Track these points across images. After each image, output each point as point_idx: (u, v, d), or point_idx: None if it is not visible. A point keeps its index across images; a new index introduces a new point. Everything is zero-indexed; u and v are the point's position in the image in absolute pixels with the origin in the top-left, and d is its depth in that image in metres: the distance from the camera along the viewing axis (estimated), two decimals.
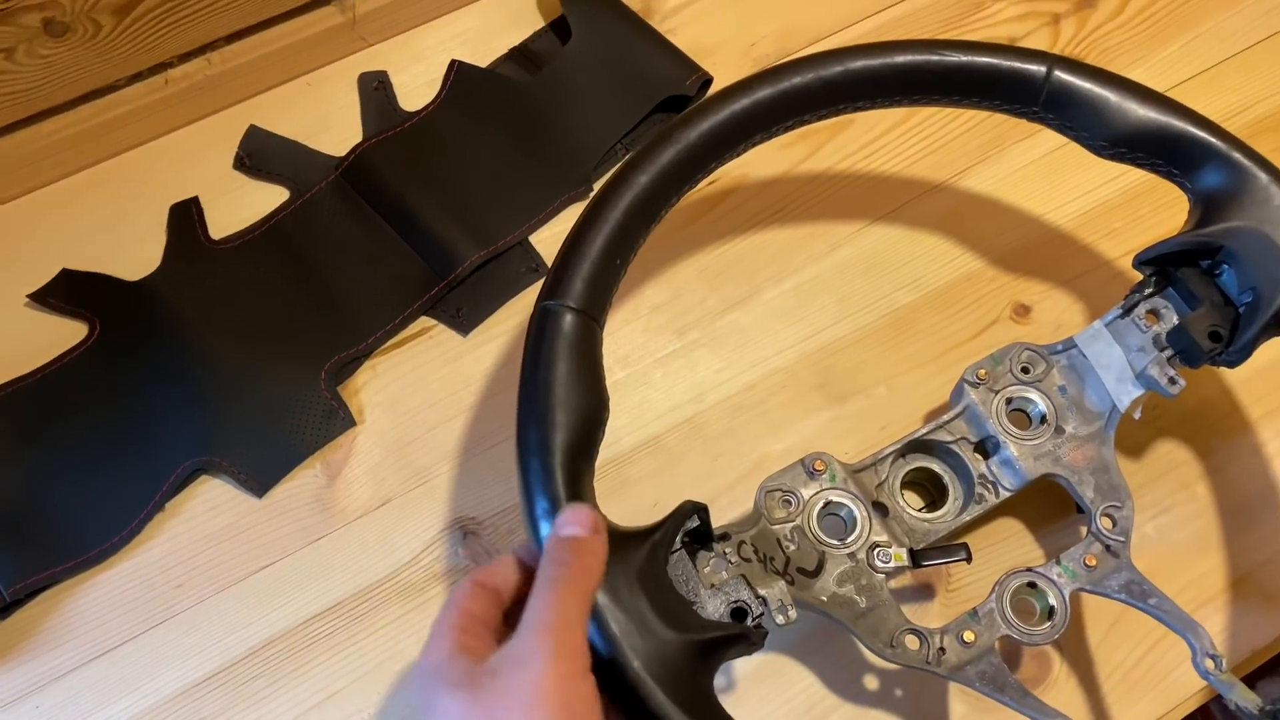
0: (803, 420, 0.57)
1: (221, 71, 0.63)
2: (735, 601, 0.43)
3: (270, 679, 0.51)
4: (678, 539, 0.43)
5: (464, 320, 0.59)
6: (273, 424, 0.55)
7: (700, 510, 0.43)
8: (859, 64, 0.48)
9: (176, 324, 0.57)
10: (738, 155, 0.49)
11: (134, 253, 0.60)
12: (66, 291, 0.59)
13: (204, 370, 0.56)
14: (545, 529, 0.40)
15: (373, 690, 0.50)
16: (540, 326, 0.43)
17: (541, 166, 0.62)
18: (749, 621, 0.42)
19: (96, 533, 0.53)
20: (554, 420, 0.41)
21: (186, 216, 0.61)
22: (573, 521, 0.39)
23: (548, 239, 0.61)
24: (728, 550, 0.45)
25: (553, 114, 0.64)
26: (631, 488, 0.55)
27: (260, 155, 0.63)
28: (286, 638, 0.52)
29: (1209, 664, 0.43)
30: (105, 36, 0.57)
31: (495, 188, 0.62)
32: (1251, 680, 0.48)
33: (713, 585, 0.43)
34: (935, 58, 0.49)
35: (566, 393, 0.42)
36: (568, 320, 0.43)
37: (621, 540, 0.40)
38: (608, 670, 0.38)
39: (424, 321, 0.59)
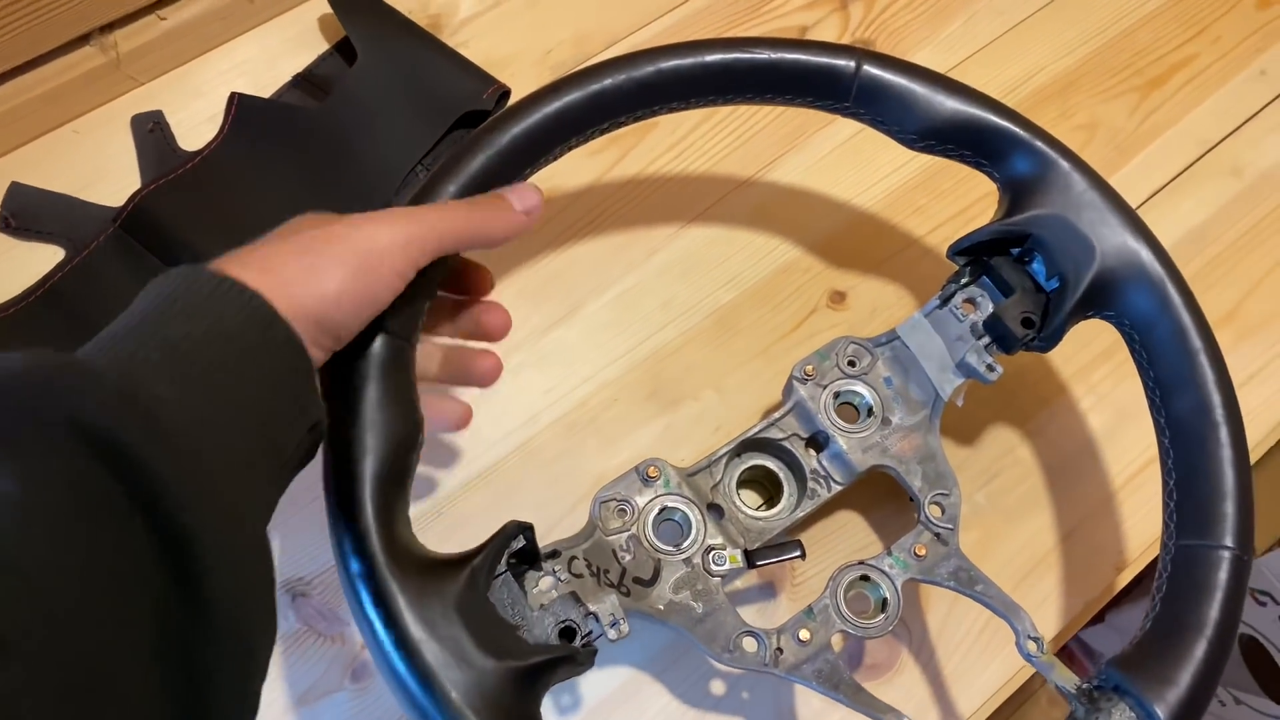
0: (638, 431, 0.56)
1: None
2: (563, 621, 0.41)
3: None
4: (502, 561, 0.41)
5: None
6: None
7: (525, 529, 0.41)
8: (670, 64, 0.47)
9: None
10: (551, 161, 0.47)
11: None
12: None
13: None
14: (354, 566, 0.38)
15: None
16: (355, 349, 0.41)
17: (339, 196, 0.59)
18: (577, 641, 0.41)
19: None
20: (358, 448, 0.39)
21: None
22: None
23: None
24: (557, 568, 0.43)
25: (346, 140, 0.61)
26: (468, 525, 0.53)
27: (26, 214, 0.58)
28: None
29: (1031, 646, 0.44)
30: None
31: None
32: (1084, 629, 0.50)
33: (541, 606, 0.41)
34: (745, 55, 0.48)
35: (372, 416, 0.40)
36: (379, 344, 0.41)
37: (438, 569, 0.39)
38: (425, 708, 0.36)
39: None
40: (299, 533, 0.52)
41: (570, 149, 0.48)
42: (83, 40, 0.59)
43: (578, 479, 0.54)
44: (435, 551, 0.39)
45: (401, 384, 0.41)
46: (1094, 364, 0.59)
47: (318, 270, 0.36)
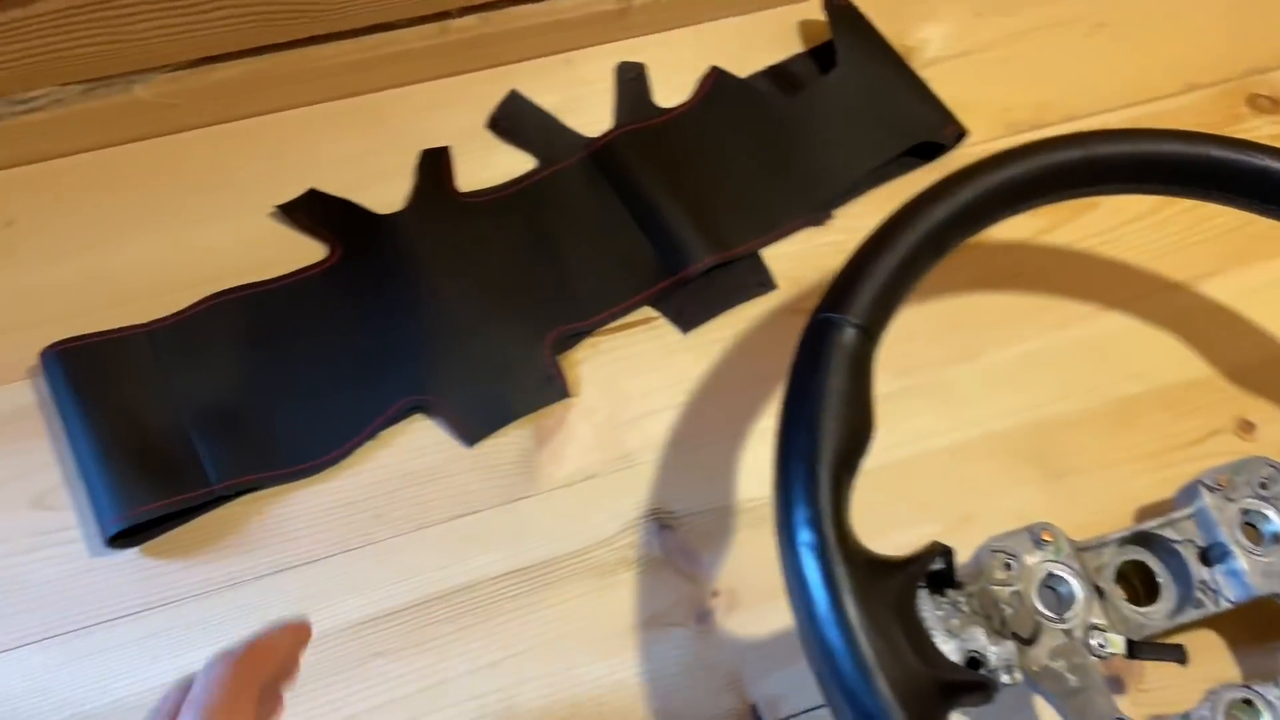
0: (1013, 488, 0.56)
1: (495, 32, 0.64)
2: (971, 651, 0.42)
3: (453, 627, 0.51)
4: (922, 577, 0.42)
5: (686, 318, 0.59)
6: (492, 379, 0.56)
7: (946, 554, 0.42)
8: (1173, 147, 0.48)
9: (415, 263, 0.58)
10: (1028, 210, 0.49)
11: (377, 188, 0.61)
12: (313, 211, 0.60)
13: (435, 313, 0.57)
14: (803, 536, 0.39)
15: (551, 659, 0.50)
16: (820, 335, 0.43)
17: (783, 185, 0.63)
18: (983, 673, 0.42)
19: (310, 446, 0.53)
20: (825, 428, 0.41)
21: (436, 163, 0.62)
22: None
23: (777, 256, 0.61)
24: (960, 599, 0.44)
25: (802, 137, 0.64)
26: None
27: (515, 121, 0.64)
28: (474, 589, 0.51)
29: None
30: None
31: (735, 196, 0.62)
32: None
33: (948, 630, 0.42)
34: (1246, 156, 0.48)
35: (840, 405, 0.41)
36: (849, 334, 0.43)
37: (879, 567, 0.40)
38: (853, 690, 0.37)
39: (646, 311, 0.59)
40: (680, 470, 0.55)
41: (1046, 204, 0.49)
42: None
43: (944, 512, 0.55)
44: (874, 551, 0.41)
45: (865, 380, 0.43)
46: None
47: None
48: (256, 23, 0.58)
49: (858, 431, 0.42)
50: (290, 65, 0.61)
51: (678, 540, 0.53)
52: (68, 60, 0.56)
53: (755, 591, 0.52)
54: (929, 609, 0.42)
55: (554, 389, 0.56)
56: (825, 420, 0.41)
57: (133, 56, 0.57)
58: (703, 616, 0.52)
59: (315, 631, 0.45)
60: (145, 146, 0.62)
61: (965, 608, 0.44)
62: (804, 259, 0.61)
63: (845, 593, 0.38)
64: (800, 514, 0.40)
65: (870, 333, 0.44)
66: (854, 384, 0.42)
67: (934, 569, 0.42)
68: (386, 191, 0.61)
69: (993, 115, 0.67)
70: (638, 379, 0.57)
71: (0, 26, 0.52)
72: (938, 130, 0.64)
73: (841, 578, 0.39)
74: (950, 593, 0.44)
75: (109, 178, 0.61)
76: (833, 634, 0.38)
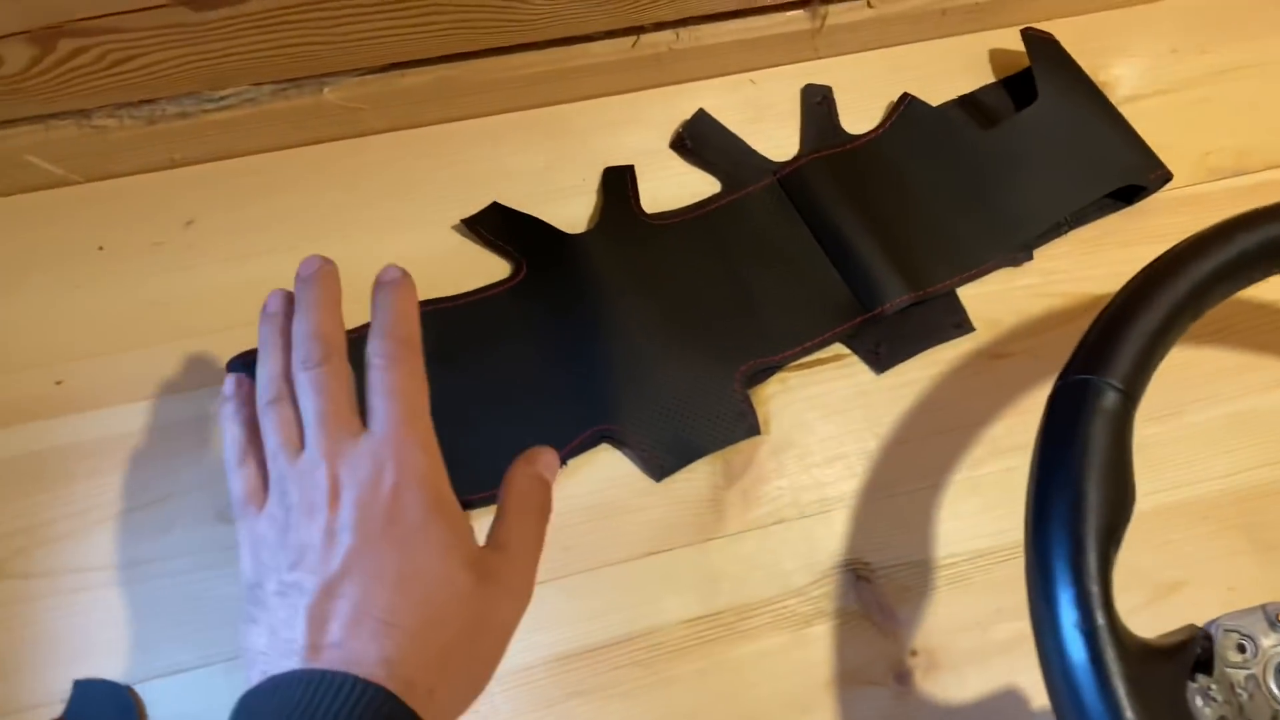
0: (1223, 558, 0.53)
1: (684, 48, 0.62)
2: None
3: (645, 671, 0.49)
4: None
5: (881, 358, 0.57)
6: (682, 411, 0.54)
7: (1208, 640, 0.40)
8: None
9: (603, 286, 0.56)
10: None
11: (557, 203, 0.60)
12: (497, 226, 0.58)
13: (624, 340, 0.55)
14: (1070, 616, 0.37)
15: (747, 712, 0.48)
16: (1080, 397, 0.41)
17: (979, 221, 0.60)
18: None
19: (496, 472, 0.52)
20: (1090, 499, 0.39)
21: (621, 182, 0.60)
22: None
23: (972, 296, 0.59)
24: (1211, 687, 0.42)
25: (999, 171, 0.61)
26: None
27: (701, 140, 0.62)
28: (667, 632, 0.50)
29: None
30: None
31: (929, 232, 0.60)
32: None
33: None
34: None
35: (1105, 474, 0.39)
36: (1110, 398, 0.41)
37: (1149, 655, 0.38)
38: None
39: (838, 348, 0.57)
40: (876, 518, 0.53)
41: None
42: (802, 4, 0.63)
43: (1148, 576, 0.52)
44: (1144, 637, 0.38)
45: (1128, 448, 0.40)
46: None
47: (465, 689, 0.39)
48: (456, 30, 0.56)
49: (1123, 503, 0.39)
50: (477, 74, 0.60)
51: (874, 594, 0.51)
52: (267, 60, 0.55)
53: (955, 654, 0.50)
54: (1197, 703, 0.40)
55: (745, 425, 0.54)
56: (1090, 489, 0.39)
57: (329, 59, 0.56)
58: (902, 676, 0.50)
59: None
60: (327, 149, 0.61)
61: (1217, 696, 0.41)
62: (1001, 301, 0.59)
63: (1119, 682, 0.36)
64: (1066, 592, 0.38)
65: (1131, 397, 0.41)
66: (1117, 452, 0.40)
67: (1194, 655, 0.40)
68: (567, 206, 0.60)
69: (1193, 159, 0.64)
70: (830, 419, 0.55)
71: (209, 25, 0.51)
72: (1144, 173, 0.61)
73: (1115, 667, 0.37)
74: (1201, 678, 0.41)
75: (289, 180, 0.60)
76: None
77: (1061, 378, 0.42)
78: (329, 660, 0.36)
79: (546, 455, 0.45)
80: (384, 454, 0.39)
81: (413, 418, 0.40)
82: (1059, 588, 0.38)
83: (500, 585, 0.40)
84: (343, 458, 0.39)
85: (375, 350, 0.41)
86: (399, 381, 0.41)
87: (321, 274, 0.44)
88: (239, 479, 0.41)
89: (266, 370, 0.42)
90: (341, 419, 0.40)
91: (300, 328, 0.42)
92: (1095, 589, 0.37)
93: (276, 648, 0.37)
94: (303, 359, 0.41)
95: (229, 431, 0.42)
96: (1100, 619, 0.37)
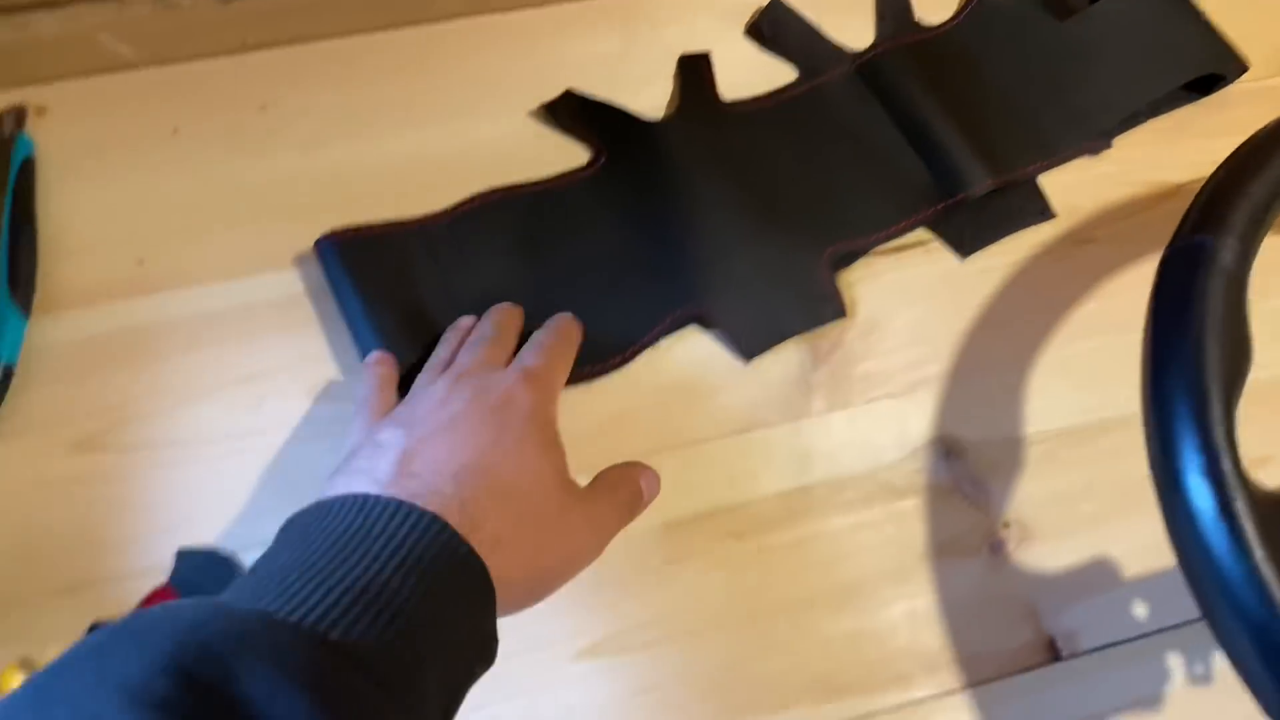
0: None
1: None
2: None
3: (745, 542, 0.49)
4: None
5: (965, 243, 0.57)
6: (768, 294, 0.54)
7: None
8: None
9: (685, 172, 0.56)
10: None
11: (631, 91, 0.59)
12: (576, 113, 0.58)
13: (709, 223, 0.55)
14: (1194, 462, 0.37)
15: (844, 581, 0.49)
16: (1196, 256, 0.41)
17: (1057, 110, 0.60)
18: None
19: (591, 350, 0.52)
20: (1210, 351, 0.39)
21: (697, 70, 0.60)
22: None
23: (1052, 183, 0.59)
24: None
25: (1076, 61, 0.61)
26: None
27: (779, 29, 0.61)
28: (762, 504, 0.50)
29: None
30: None
31: (1009, 119, 0.59)
32: None
33: None
34: None
35: (1224, 327, 0.39)
36: (1226, 257, 0.40)
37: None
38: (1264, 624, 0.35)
39: (921, 233, 0.57)
40: (966, 397, 0.53)
41: None
42: None
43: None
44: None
45: (1244, 302, 0.40)
46: None
47: (544, 582, 0.41)
48: None
49: (1242, 356, 0.39)
50: None
51: (966, 468, 0.52)
52: None
53: (1047, 526, 0.51)
54: None
55: (832, 307, 0.54)
56: (1210, 343, 0.39)
57: None
58: (995, 547, 0.50)
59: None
60: (400, 36, 0.60)
61: None
62: (1080, 188, 0.59)
63: (1247, 523, 0.36)
64: (1191, 440, 0.38)
65: (1245, 255, 0.41)
66: (1235, 308, 0.40)
67: None
68: (641, 95, 0.59)
69: (1270, 50, 0.64)
70: (915, 302, 0.55)
71: None
72: (1222, 64, 0.61)
73: (1243, 510, 0.37)
74: None
75: (362, 65, 0.59)
76: (1234, 571, 0.36)
77: (1173, 242, 0.42)
78: (403, 490, 0.37)
79: (651, 474, 0.48)
80: (513, 377, 0.44)
81: (549, 371, 0.46)
82: (1182, 436, 0.38)
83: (581, 511, 0.43)
84: (481, 367, 0.45)
85: (536, 335, 0.49)
86: (551, 344, 0.48)
87: (509, 310, 0.51)
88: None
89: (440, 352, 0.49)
90: (495, 360, 0.46)
91: (482, 322, 0.50)
92: (1220, 436, 0.38)
93: (358, 482, 0.38)
94: (478, 336, 0.48)
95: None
96: (1226, 464, 0.37)
